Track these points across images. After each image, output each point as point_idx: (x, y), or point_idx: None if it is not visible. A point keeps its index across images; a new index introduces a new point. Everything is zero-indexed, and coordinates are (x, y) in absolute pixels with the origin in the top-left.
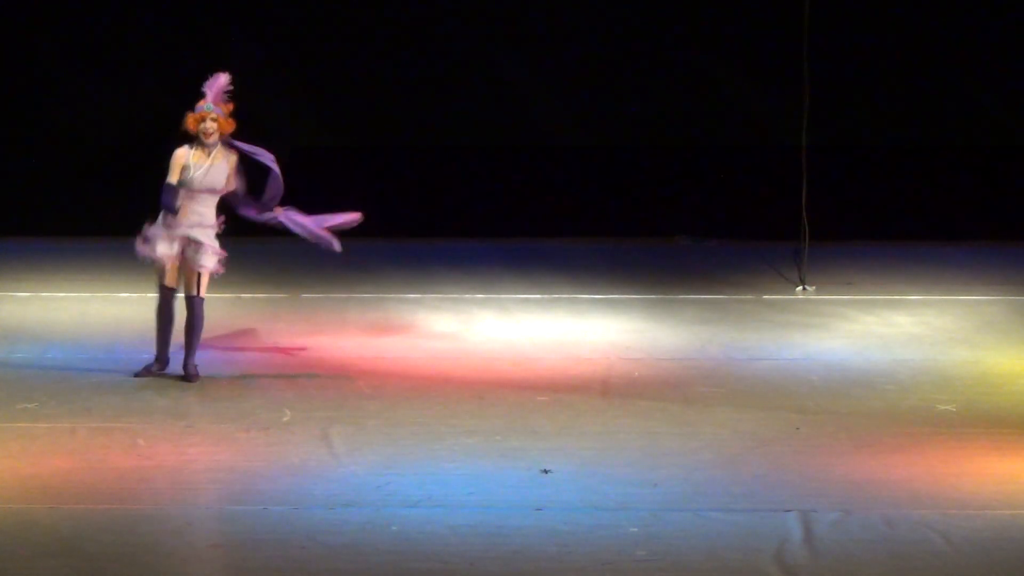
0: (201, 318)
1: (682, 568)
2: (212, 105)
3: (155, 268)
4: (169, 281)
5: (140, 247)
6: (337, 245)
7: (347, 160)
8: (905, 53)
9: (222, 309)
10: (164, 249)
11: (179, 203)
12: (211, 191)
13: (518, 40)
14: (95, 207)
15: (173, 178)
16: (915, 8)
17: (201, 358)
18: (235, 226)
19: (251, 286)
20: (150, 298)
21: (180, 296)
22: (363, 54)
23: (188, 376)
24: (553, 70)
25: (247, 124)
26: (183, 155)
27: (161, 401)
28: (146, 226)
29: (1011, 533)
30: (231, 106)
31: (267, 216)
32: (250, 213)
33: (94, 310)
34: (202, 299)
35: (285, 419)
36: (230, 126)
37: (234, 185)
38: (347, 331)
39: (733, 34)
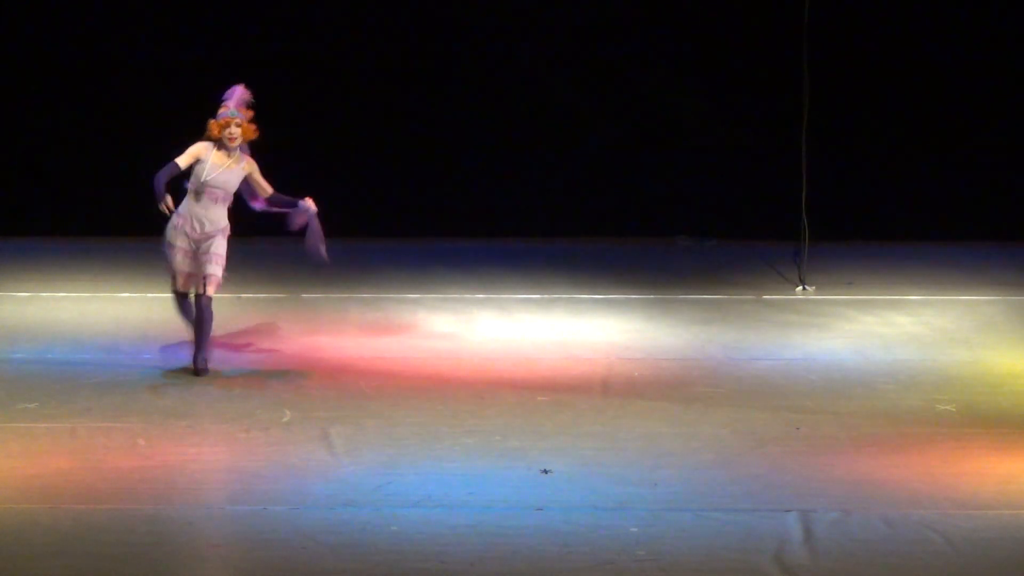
0: (211, 315)
1: (682, 568)
2: (236, 111)
3: (168, 272)
4: (182, 287)
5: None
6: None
7: (347, 160)
8: (905, 53)
9: (222, 309)
10: (181, 264)
11: (183, 207)
12: (225, 193)
13: (518, 39)
14: (95, 207)
15: (182, 161)
16: (915, 8)
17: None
18: (236, 226)
19: (251, 286)
20: (150, 298)
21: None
22: (363, 53)
23: (199, 370)
24: (553, 69)
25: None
26: (203, 148)
27: (161, 401)
28: (170, 226)
29: (1011, 533)
30: (251, 113)
31: (294, 210)
32: (275, 209)
33: (94, 310)
34: (211, 298)
35: (285, 419)
36: (253, 132)
37: (269, 190)
38: (347, 331)
39: (734, 34)
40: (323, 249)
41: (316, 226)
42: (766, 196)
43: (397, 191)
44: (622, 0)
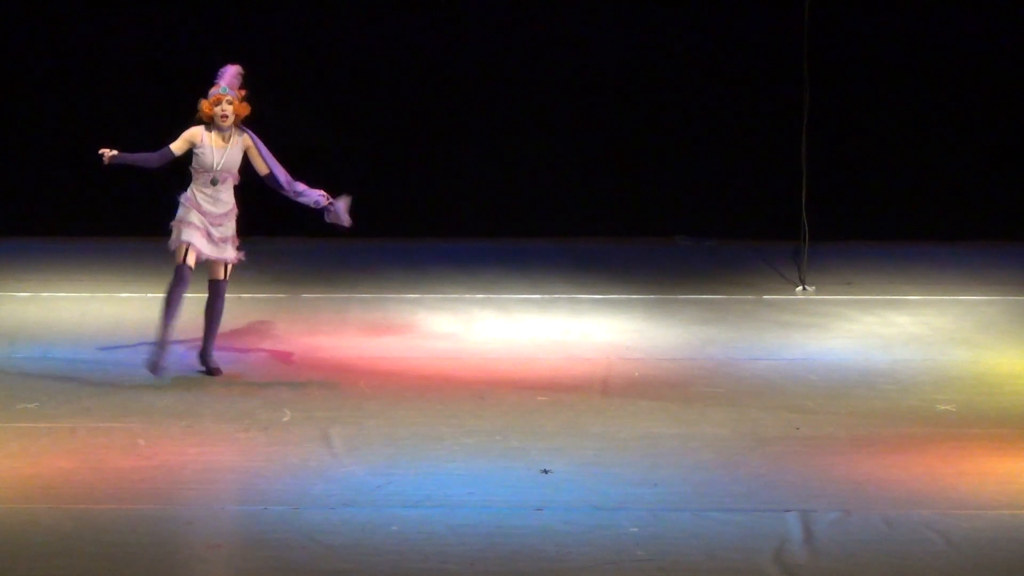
0: (223, 302)
1: (682, 568)
2: (227, 88)
3: (173, 246)
4: (189, 260)
5: (174, 239)
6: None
7: (347, 160)
8: (905, 52)
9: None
10: (194, 237)
11: (192, 192)
12: (230, 175)
13: (518, 39)
14: (95, 207)
15: (176, 147)
16: (915, 7)
17: None
18: (238, 225)
19: (251, 286)
20: (150, 298)
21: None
22: (363, 53)
23: (212, 370)
24: (553, 69)
25: (249, 124)
26: (197, 133)
27: (161, 401)
28: (181, 208)
29: (1011, 533)
30: (244, 92)
31: (310, 197)
32: (287, 193)
33: (94, 310)
34: (227, 283)
35: (285, 419)
36: (245, 110)
37: (265, 169)
38: (347, 331)
39: (734, 33)
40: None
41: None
42: (766, 196)
43: (397, 191)
44: (621, 0)
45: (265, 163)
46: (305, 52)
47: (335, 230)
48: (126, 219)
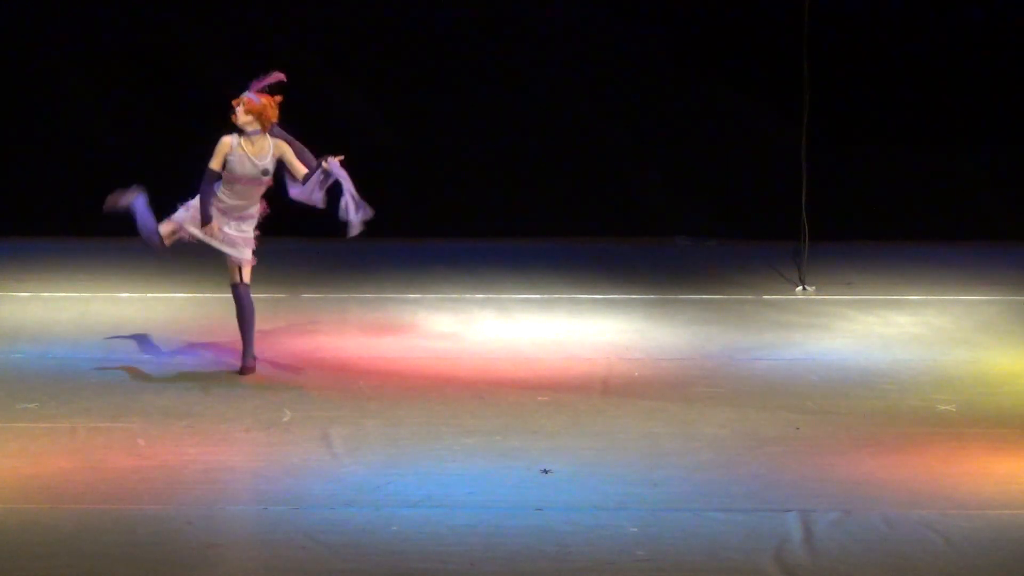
0: (251, 301)
1: (682, 568)
2: (249, 93)
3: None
4: (163, 230)
5: (159, 232)
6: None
7: (346, 160)
8: (905, 53)
9: (223, 309)
10: (170, 229)
11: (218, 190)
12: (255, 181)
13: (518, 39)
14: (95, 207)
15: (214, 163)
16: (916, 7)
17: (202, 357)
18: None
19: (251, 286)
20: (150, 298)
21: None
22: (362, 52)
23: (243, 368)
24: (553, 69)
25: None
26: (228, 143)
27: (161, 401)
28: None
29: (1011, 533)
30: (278, 98)
31: (313, 182)
32: (301, 194)
33: (94, 310)
34: (248, 285)
35: (285, 419)
36: (268, 112)
37: (304, 170)
38: (347, 331)
39: (734, 33)
40: (357, 213)
41: (348, 186)
42: (766, 196)
43: (397, 191)
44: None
45: (299, 169)
46: (304, 52)
47: (334, 230)
48: (126, 219)
